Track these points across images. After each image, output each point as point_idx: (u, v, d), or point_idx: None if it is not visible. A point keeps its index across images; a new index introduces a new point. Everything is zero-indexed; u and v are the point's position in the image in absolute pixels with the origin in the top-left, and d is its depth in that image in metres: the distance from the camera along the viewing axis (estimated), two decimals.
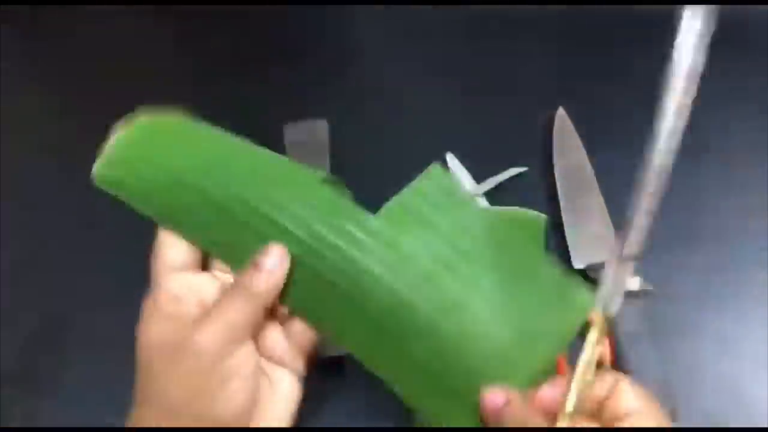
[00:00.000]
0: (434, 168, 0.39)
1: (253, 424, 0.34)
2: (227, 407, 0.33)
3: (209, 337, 0.32)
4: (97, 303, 0.52)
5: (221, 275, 0.38)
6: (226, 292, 0.34)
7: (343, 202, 0.38)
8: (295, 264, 0.35)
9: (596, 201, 0.55)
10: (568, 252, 0.52)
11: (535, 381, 0.33)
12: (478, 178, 0.58)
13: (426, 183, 0.39)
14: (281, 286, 0.35)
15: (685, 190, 0.57)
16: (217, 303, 0.34)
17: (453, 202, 0.37)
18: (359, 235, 0.35)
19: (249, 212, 0.36)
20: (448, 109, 0.64)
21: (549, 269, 0.37)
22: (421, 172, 0.58)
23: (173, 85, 0.67)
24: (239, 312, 0.33)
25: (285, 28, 0.71)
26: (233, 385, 0.33)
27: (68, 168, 0.62)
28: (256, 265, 0.34)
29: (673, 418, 0.45)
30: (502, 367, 0.33)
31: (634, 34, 0.67)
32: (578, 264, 0.52)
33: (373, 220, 0.37)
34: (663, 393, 0.45)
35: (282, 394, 0.36)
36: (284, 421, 0.36)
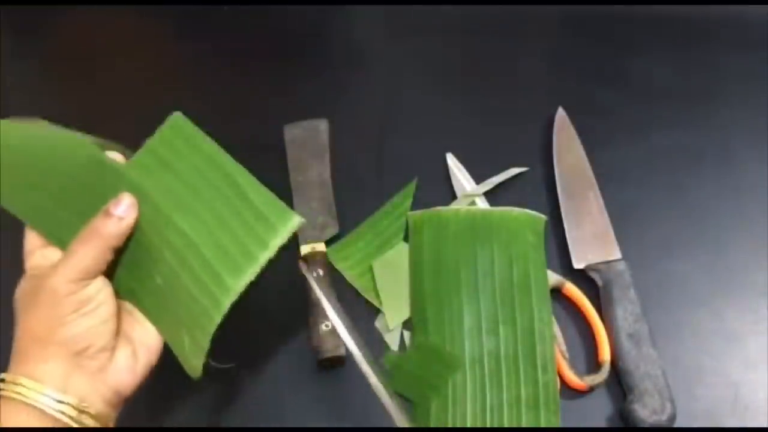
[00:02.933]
0: (176, 117, 0.43)
1: (118, 347, 0.39)
2: (87, 332, 0.37)
3: (60, 278, 0.37)
4: None
5: None
6: (79, 236, 0.39)
7: (100, 158, 0.41)
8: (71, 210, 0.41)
9: (596, 201, 0.55)
10: (568, 252, 0.53)
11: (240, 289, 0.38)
12: (478, 178, 0.58)
13: (167, 132, 0.42)
14: (129, 231, 0.39)
15: (684, 190, 0.57)
16: (71, 245, 0.38)
17: (190, 146, 0.42)
18: (118, 185, 0.40)
19: (45, 182, 0.42)
20: (448, 109, 0.64)
21: (259, 194, 0.41)
22: (421, 172, 0.58)
23: (173, 85, 0.67)
24: (88, 255, 0.38)
25: (285, 28, 0.71)
26: (86, 310, 0.37)
27: None
28: (107, 212, 0.39)
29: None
30: (214, 279, 0.38)
31: (634, 35, 0.68)
32: (578, 264, 0.52)
33: (127, 169, 0.41)
34: (663, 393, 0.45)
35: (144, 324, 0.41)
36: (155, 348, 0.40)
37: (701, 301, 0.51)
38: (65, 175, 0.42)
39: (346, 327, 0.42)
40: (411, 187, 0.57)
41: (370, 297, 0.52)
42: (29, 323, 0.37)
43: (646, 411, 0.44)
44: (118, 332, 0.39)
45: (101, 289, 0.38)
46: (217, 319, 0.38)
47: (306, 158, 0.59)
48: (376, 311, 0.52)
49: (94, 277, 0.38)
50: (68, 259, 0.38)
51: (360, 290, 0.52)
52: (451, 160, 0.59)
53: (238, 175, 0.41)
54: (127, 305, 0.41)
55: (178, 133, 0.42)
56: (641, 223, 0.55)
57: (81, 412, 0.36)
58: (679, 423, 0.45)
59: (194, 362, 0.39)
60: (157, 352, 0.41)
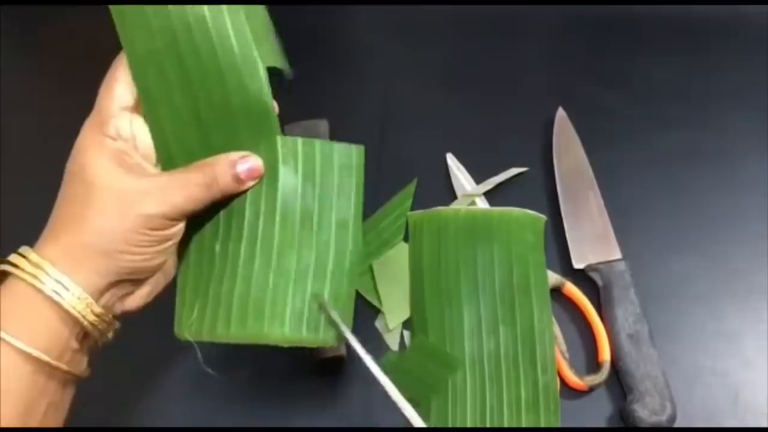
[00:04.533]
0: (357, 148, 0.42)
1: (151, 280, 0.37)
2: (148, 265, 0.35)
3: (163, 208, 0.34)
4: None
5: None
6: (191, 169, 0.36)
7: (267, 112, 0.39)
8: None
9: (596, 201, 0.55)
10: (568, 252, 0.53)
11: None
12: (478, 178, 0.58)
13: (340, 150, 0.42)
14: (237, 194, 0.37)
15: (684, 190, 0.57)
16: (179, 177, 0.35)
17: (342, 177, 0.41)
18: (262, 141, 0.38)
19: (192, 81, 0.37)
20: (448, 109, 0.64)
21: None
22: (422, 172, 0.58)
23: None
24: (192, 199, 0.35)
25: (285, 28, 0.71)
26: (164, 247, 0.35)
27: None
28: (232, 163, 0.36)
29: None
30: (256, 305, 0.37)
31: (634, 35, 0.68)
32: (578, 264, 0.52)
33: (280, 139, 0.38)
34: (663, 393, 0.45)
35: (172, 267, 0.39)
36: (164, 285, 0.38)
37: (701, 301, 0.51)
38: (220, 87, 0.38)
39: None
40: (411, 187, 0.57)
41: (370, 297, 0.52)
42: (102, 228, 0.34)
43: (646, 411, 0.44)
44: None
45: (180, 231, 0.36)
46: (236, 337, 0.37)
47: None
48: (376, 311, 0.52)
49: (185, 219, 0.36)
50: (173, 191, 0.34)
51: (360, 290, 0.52)
52: (451, 160, 0.59)
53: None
54: None
55: (334, 158, 0.40)
56: (641, 223, 0.55)
57: (111, 327, 0.35)
58: (679, 423, 0.45)
59: (182, 331, 0.38)
60: (168, 281, 0.39)
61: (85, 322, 0.33)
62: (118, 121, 0.36)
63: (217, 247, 0.38)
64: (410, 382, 0.48)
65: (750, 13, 0.68)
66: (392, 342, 0.50)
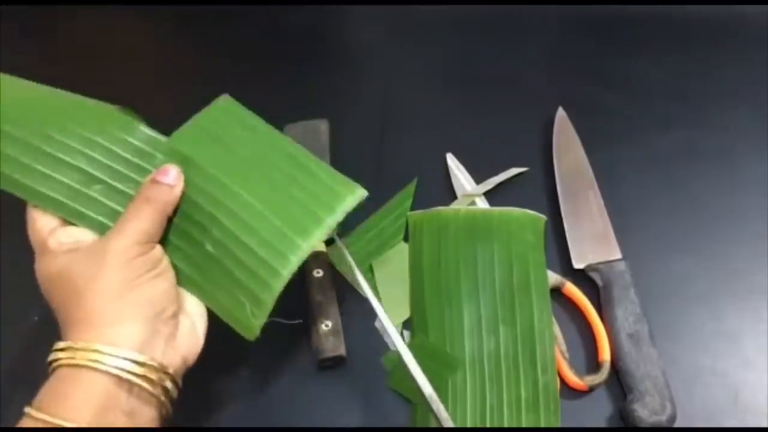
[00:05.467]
0: (223, 98, 0.45)
1: (182, 318, 0.39)
2: (162, 294, 0.37)
3: (127, 240, 0.37)
4: None
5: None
6: (132, 203, 0.39)
7: (139, 128, 0.42)
8: (104, 184, 0.41)
9: (596, 201, 0.55)
10: (568, 252, 0.53)
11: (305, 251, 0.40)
12: (478, 178, 0.58)
13: (215, 110, 0.44)
14: (178, 199, 0.40)
15: (684, 190, 0.57)
16: (124, 214, 0.38)
17: (241, 124, 0.43)
18: (157, 155, 0.41)
19: (51, 144, 0.40)
20: (448, 109, 0.64)
21: (320, 167, 0.43)
22: (421, 172, 0.58)
23: (173, 85, 0.67)
24: (146, 219, 0.38)
25: (285, 28, 0.71)
26: (158, 271, 0.38)
27: None
28: (156, 180, 0.39)
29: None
30: (279, 238, 0.40)
31: (634, 35, 0.68)
32: (578, 264, 0.52)
33: (167, 143, 0.42)
34: (663, 393, 0.45)
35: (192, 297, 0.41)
36: (205, 316, 0.41)
37: (701, 301, 0.51)
38: (94, 147, 0.41)
39: (393, 324, 0.43)
40: (411, 187, 0.57)
41: (370, 297, 0.52)
42: (94, 289, 0.36)
43: (646, 411, 0.44)
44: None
45: (163, 254, 0.39)
46: (286, 276, 0.39)
47: None
48: None
49: (154, 241, 0.38)
50: (128, 222, 0.37)
51: (360, 290, 0.52)
52: (451, 160, 0.59)
53: (295, 151, 0.42)
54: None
55: (227, 111, 0.43)
56: (641, 223, 0.55)
57: (163, 373, 0.35)
58: (679, 423, 0.45)
59: (254, 323, 0.39)
60: (206, 320, 0.41)
61: (134, 378, 0.34)
62: (56, 236, 0.39)
63: (207, 246, 0.40)
64: (410, 382, 0.48)
65: (749, 13, 0.68)
66: (392, 342, 0.50)
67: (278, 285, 0.39)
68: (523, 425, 0.45)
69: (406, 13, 0.71)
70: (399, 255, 0.53)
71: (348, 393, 0.48)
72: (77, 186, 0.40)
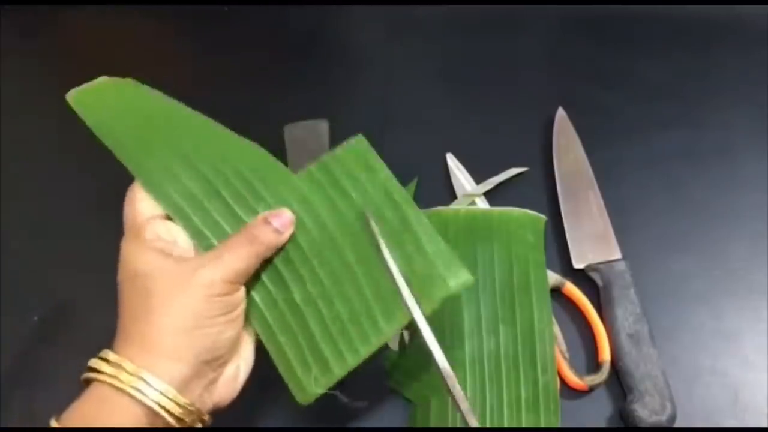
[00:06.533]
0: (358, 140, 0.43)
1: (231, 364, 0.37)
2: (225, 341, 0.35)
3: (217, 273, 0.35)
4: (97, 300, 0.52)
5: None
6: (234, 238, 0.37)
7: (273, 163, 0.42)
8: (221, 201, 0.40)
9: (596, 201, 0.55)
10: (568, 252, 0.53)
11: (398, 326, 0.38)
12: (478, 178, 0.58)
13: (348, 152, 0.43)
14: (280, 246, 0.38)
15: (684, 189, 0.57)
16: (225, 245, 0.37)
17: (366, 168, 0.42)
18: (281, 189, 0.41)
19: (199, 167, 0.40)
20: (448, 109, 0.64)
21: (429, 235, 0.40)
22: (421, 172, 0.58)
23: (173, 85, 0.67)
24: (243, 258, 0.36)
25: (285, 28, 0.71)
26: (233, 317, 0.36)
27: (68, 167, 0.62)
28: (266, 220, 0.38)
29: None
30: (367, 316, 0.38)
31: (634, 35, 0.68)
32: (578, 264, 0.52)
33: (295, 179, 0.41)
34: (663, 393, 0.45)
35: (250, 340, 0.39)
36: (251, 364, 0.39)
37: (701, 301, 0.51)
38: (226, 165, 0.41)
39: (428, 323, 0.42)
40: (411, 187, 0.57)
41: None
42: (172, 309, 0.34)
43: (646, 411, 0.44)
44: None
45: (244, 297, 0.37)
46: (363, 355, 0.38)
47: (306, 158, 0.59)
48: None
49: (242, 283, 0.37)
50: (224, 257, 0.36)
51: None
52: (451, 160, 0.59)
53: (408, 208, 0.40)
54: None
55: (357, 155, 0.42)
56: (641, 223, 0.55)
57: (198, 417, 0.34)
58: (679, 423, 0.45)
59: (314, 390, 0.38)
60: (250, 368, 0.39)
61: (169, 417, 0.33)
62: (155, 227, 0.37)
63: (297, 296, 0.39)
64: (410, 382, 0.48)
65: (749, 13, 0.68)
66: (392, 342, 0.50)
67: (354, 362, 0.38)
68: (523, 425, 0.45)
69: (406, 13, 0.71)
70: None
71: (348, 393, 0.48)
72: (197, 192, 0.40)
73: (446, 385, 0.39)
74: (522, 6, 0.69)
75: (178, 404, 0.33)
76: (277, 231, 0.38)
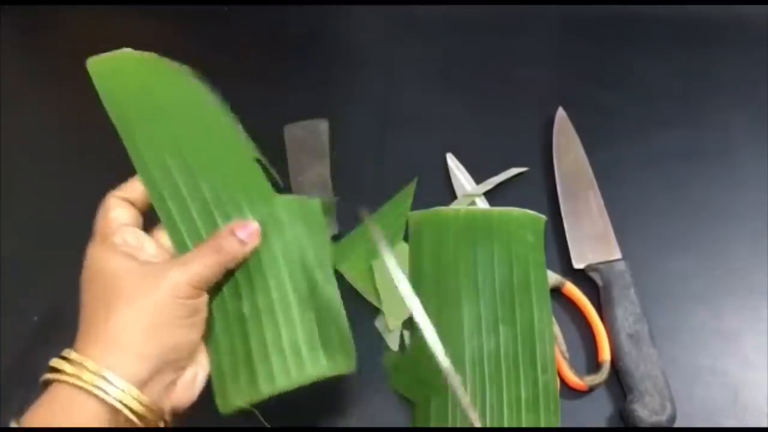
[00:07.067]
0: (316, 201, 0.44)
1: (190, 368, 0.38)
2: (187, 344, 0.37)
3: (185, 277, 0.36)
4: None
5: (159, 242, 0.41)
6: (202, 246, 0.38)
7: (260, 176, 0.43)
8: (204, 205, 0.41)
9: (596, 201, 0.55)
10: (568, 252, 0.53)
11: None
12: (478, 178, 0.58)
13: (304, 202, 0.44)
14: (244, 258, 0.39)
15: (684, 189, 0.57)
16: (193, 252, 0.38)
17: (310, 230, 0.43)
18: (259, 203, 0.41)
19: (189, 162, 0.41)
20: (448, 109, 0.64)
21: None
22: (421, 172, 0.58)
23: None
24: (209, 266, 0.37)
25: (285, 28, 0.71)
26: (195, 320, 0.37)
27: (68, 166, 0.62)
28: (231, 231, 0.38)
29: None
30: (306, 350, 0.39)
31: (634, 35, 0.68)
32: (578, 264, 0.52)
33: (275, 199, 0.42)
34: (663, 393, 0.45)
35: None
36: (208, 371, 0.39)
37: (701, 301, 0.51)
38: (215, 166, 0.41)
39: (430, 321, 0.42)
40: (411, 187, 0.57)
41: (370, 297, 0.52)
42: (138, 307, 0.35)
43: (646, 411, 0.44)
44: None
45: (206, 304, 0.38)
46: (293, 384, 0.38)
47: (306, 158, 0.59)
48: (376, 311, 0.52)
49: (205, 289, 0.38)
50: (192, 263, 0.37)
51: (360, 290, 0.52)
52: (451, 160, 0.59)
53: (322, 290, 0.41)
54: None
55: (312, 212, 0.43)
56: (641, 223, 0.55)
57: (159, 417, 0.35)
58: (679, 423, 0.45)
59: (236, 401, 0.39)
60: (202, 380, 0.39)
61: (131, 415, 0.33)
62: (123, 233, 0.38)
63: (246, 308, 0.39)
64: (410, 382, 0.48)
65: (749, 13, 0.68)
66: (392, 342, 0.50)
67: (285, 384, 0.38)
68: (523, 425, 0.45)
69: (406, 13, 0.71)
70: (399, 255, 0.53)
71: (348, 393, 0.49)
72: (181, 186, 0.40)
73: (447, 382, 0.39)
74: (522, 6, 0.69)
75: (140, 402, 0.34)
76: (241, 242, 0.38)
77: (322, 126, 0.61)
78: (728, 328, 0.50)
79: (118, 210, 0.39)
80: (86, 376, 0.33)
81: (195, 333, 0.37)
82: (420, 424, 0.46)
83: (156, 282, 0.35)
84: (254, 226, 0.39)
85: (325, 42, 0.70)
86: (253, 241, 0.39)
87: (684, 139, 0.60)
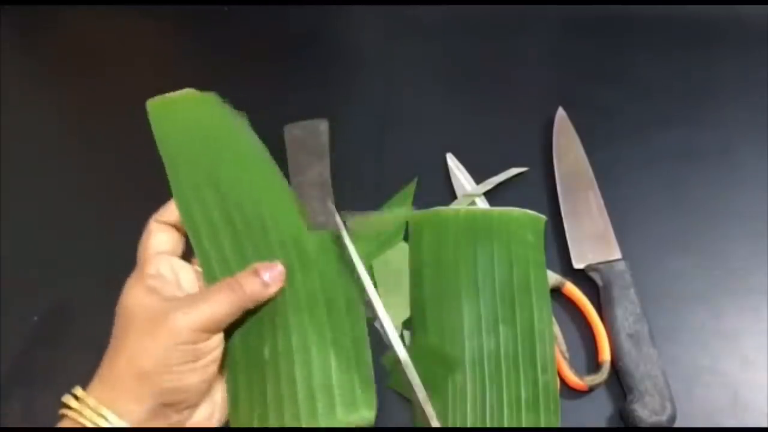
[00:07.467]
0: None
1: (204, 407, 0.37)
2: (189, 387, 0.36)
3: (187, 322, 0.35)
4: (96, 300, 0.52)
5: (199, 269, 0.40)
6: (219, 284, 0.37)
7: (293, 212, 0.43)
8: (235, 234, 0.41)
9: (596, 201, 0.55)
10: (568, 252, 0.53)
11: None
12: (478, 178, 0.58)
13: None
14: (264, 300, 0.38)
15: (684, 189, 0.57)
16: (207, 291, 0.37)
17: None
18: (290, 241, 0.42)
19: (226, 197, 0.42)
20: (448, 109, 0.64)
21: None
22: (421, 172, 0.58)
23: (173, 85, 0.67)
24: (223, 305, 0.36)
25: (285, 28, 0.71)
26: (197, 365, 0.36)
27: (68, 167, 0.62)
28: (256, 272, 0.37)
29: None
30: (320, 399, 0.39)
31: (634, 35, 0.68)
32: (578, 264, 0.52)
33: (308, 236, 0.42)
34: (663, 393, 0.45)
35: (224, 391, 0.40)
36: (225, 408, 0.39)
37: (701, 301, 0.51)
38: (251, 202, 0.42)
39: (394, 326, 0.42)
40: (411, 187, 0.57)
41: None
42: (136, 352, 0.35)
43: (646, 411, 0.44)
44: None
45: (218, 345, 0.37)
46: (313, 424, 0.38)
47: (306, 158, 0.59)
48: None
49: (216, 332, 0.37)
50: (200, 304, 0.36)
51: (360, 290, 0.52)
52: (451, 160, 0.59)
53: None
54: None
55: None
56: (641, 223, 0.55)
57: None
58: (679, 423, 0.45)
59: None
60: (227, 412, 0.39)
61: None
62: (158, 262, 0.38)
63: (266, 352, 0.39)
64: (410, 382, 0.48)
65: (749, 13, 0.68)
66: (390, 341, 0.50)
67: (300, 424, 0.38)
68: (523, 425, 0.45)
69: (406, 13, 0.71)
70: (399, 255, 0.53)
71: None
72: (216, 219, 0.41)
73: (404, 373, 0.41)
74: (522, 6, 0.69)
75: None
76: (264, 284, 0.38)
77: (322, 126, 0.60)
78: (728, 328, 0.50)
79: (159, 235, 0.39)
80: (87, 412, 0.34)
81: (198, 376, 0.36)
82: (420, 424, 0.46)
83: (158, 326, 0.35)
84: (280, 268, 0.39)
85: (325, 42, 0.70)
86: (277, 284, 0.38)
87: (684, 138, 0.60)
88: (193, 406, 0.37)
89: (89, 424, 0.33)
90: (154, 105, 0.47)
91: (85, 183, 0.60)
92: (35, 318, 0.53)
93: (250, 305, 0.38)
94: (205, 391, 0.37)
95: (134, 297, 0.37)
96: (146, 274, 0.37)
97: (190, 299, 0.37)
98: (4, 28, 0.73)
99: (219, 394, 0.39)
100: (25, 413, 0.47)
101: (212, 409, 0.38)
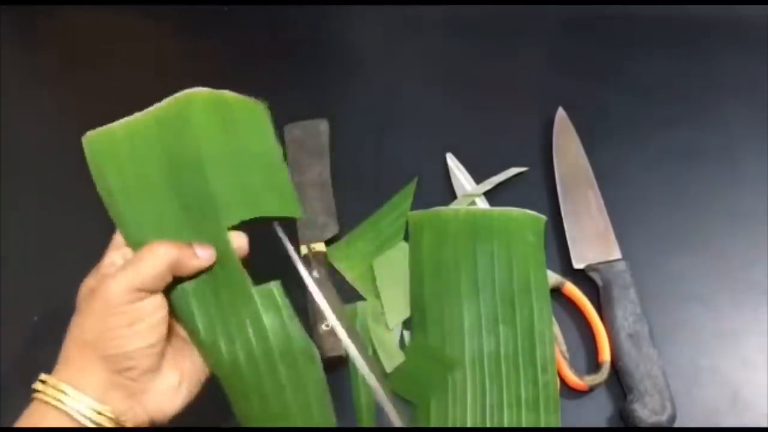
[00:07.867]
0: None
1: (163, 373, 0.38)
2: (133, 352, 0.36)
3: (118, 285, 0.36)
4: None
5: None
6: (147, 246, 0.38)
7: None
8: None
9: (596, 201, 0.55)
10: (568, 252, 0.53)
11: None
12: (478, 178, 0.58)
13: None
14: (194, 271, 0.39)
15: (684, 189, 0.57)
16: (135, 255, 0.38)
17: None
18: (239, 299, 0.40)
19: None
20: (448, 109, 0.64)
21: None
22: (421, 172, 0.58)
23: (173, 85, 0.67)
24: (149, 266, 0.37)
25: (285, 28, 0.71)
26: (138, 328, 0.36)
27: (68, 166, 0.62)
28: (190, 245, 0.38)
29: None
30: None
31: (634, 35, 0.68)
32: (578, 264, 0.52)
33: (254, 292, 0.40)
34: (663, 393, 0.45)
35: (194, 356, 0.40)
36: (200, 381, 0.40)
37: (701, 301, 0.51)
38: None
39: (345, 327, 0.42)
40: (411, 187, 0.57)
41: (370, 297, 0.52)
42: (80, 326, 0.36)
43: (646, 411, 0.44)
44: (165, 356, 0.38)
45: (157, 309, 0.37)
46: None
47: (306, 158, 0.59)
48: None
49: (151, 293, 0.37)
50: (128, 267, 0.37)
51: (360, 290, 0.52)
52: (451, 160, 0.59)
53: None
54: (182, 332, 0.40)
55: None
56: (641, 223, 0.55)
57: (118, 424, 0.36)
58: (679, 423, 0.45)
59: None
60: (200, 385, 0.39)
61: (89, 423, 0.35)
62: (112, 255, 0.40)
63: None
64: (410, 382, 0.48)
65: (749, 14, 0.68)
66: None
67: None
68: (523, 425, 0.45)
69: (406, 13, 0.71)
70: (399, 255, 0.53)
71: (348, 393, 0.48)
72: (164, 220, 0.41)
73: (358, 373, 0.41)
74: (522, 6, 0.69)
75: (98, 411, 0.35)
76: (194, 253, 0.38)
77: (322, 126, 0.61)
78: (728, 328, 0.50)
79: (120, 237, 0.41)
80: (49, 391, 0.35)
81: (143, 340, 0.36)
82: (420, 424, 0.46)
83: (93, 301, 0.36)
84: (212, 251, 0.39)
85: (324, 42, 0.70)
86: (207, 259, 0.39)
87: (684, 138, 0.60)
88: (148, 371, 0.37)
89: (54, 402, 0.35)
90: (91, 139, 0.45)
91: (85, 182, 0.60)
92: (35, 318, 0.53)
93: (179, 271, 0.38)
94: (156, 356, 0.37)
95: (85, 285, 0.39)
96: (101, 266, 0.39)
97: (121, 266, 0.38)
98: (4, 28, 0.73)
99: (187, 364, 0.39)
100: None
101: (179, 378, 0.38)
